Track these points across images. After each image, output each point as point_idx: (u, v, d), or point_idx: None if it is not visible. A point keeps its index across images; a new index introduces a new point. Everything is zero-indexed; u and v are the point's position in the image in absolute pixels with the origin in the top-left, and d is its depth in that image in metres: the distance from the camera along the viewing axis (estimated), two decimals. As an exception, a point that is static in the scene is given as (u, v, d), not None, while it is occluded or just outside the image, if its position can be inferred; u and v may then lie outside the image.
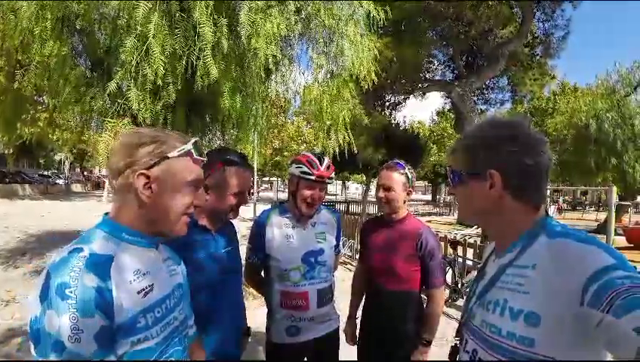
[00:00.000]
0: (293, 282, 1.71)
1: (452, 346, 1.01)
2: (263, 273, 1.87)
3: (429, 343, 1.82)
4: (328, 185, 1.83)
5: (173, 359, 0.94)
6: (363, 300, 2.07)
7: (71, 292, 0.72)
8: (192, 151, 0.93)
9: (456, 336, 1.00)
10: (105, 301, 0.76)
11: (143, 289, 0.87)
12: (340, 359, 1.93)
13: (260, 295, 2.00)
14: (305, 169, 1.70)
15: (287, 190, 2.05)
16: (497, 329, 0.79)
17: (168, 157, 0.89)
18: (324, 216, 1.89)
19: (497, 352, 0.78)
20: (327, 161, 1.74)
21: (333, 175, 1.75)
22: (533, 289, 0.74)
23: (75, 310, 0.71)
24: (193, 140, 0.95)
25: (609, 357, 0.62)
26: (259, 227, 1.78)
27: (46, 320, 0.71)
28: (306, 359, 1.83)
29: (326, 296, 1.78)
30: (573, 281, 0.66)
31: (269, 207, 1.95)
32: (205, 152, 1.06)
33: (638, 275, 0.63)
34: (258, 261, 1.80)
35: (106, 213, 0.92)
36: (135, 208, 0.88)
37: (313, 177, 1.68)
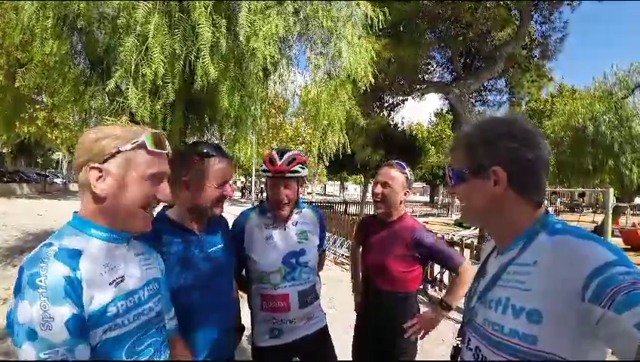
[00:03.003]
0: (273, 284, 1.63)
1: (454, 346, 1.01)
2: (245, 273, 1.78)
3: (449, 307, 1.79)
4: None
5: (153, 351, 0.97)
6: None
7: (41, 281, 0.75)
8: (146, 143, 0.91)
9: (458, 336, 0.99)
10: (74, 290, 0.78)
11: (114, 281, 0.88)
12: (336, 357, 1.87)
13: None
14: (265, 166, 1.62)
15: None
16: (500, 327, 0.78)
17: (120, 151, 0.88)
18: (306, 214, 1.79)
19: (500, 350, 0.77)
20: (289, 154, 1.60)
21: (298, 168, 1.60)
22: (534, 287, 0.73)
23: (45, 298, 0.74)
24: (149, 132, 0.93)
25: (610, 354, 0.62)
26: (235, 229, 1.70)
27: (18, 311, 0.74)
28: (298, 359, 1.77)
29: (308, 297, 1.70)
30: (574, 277, 0.65)
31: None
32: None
33: (638, 271, 0.63)
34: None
35: (76, 211, 0.94)
36: (93, 203, 0.89)
37: (271, 173, 1.61)
